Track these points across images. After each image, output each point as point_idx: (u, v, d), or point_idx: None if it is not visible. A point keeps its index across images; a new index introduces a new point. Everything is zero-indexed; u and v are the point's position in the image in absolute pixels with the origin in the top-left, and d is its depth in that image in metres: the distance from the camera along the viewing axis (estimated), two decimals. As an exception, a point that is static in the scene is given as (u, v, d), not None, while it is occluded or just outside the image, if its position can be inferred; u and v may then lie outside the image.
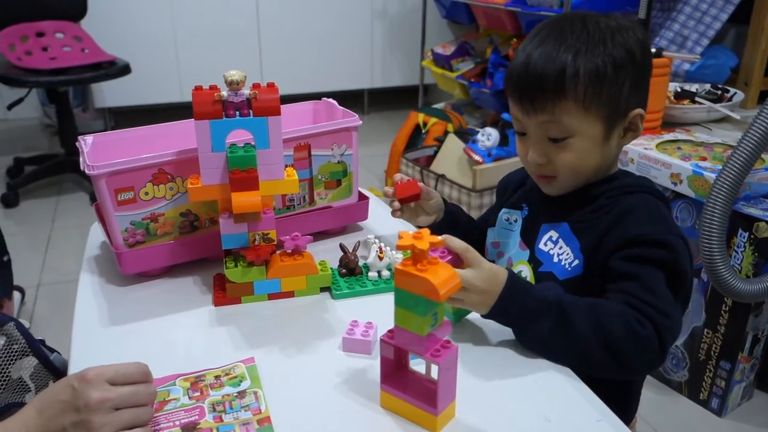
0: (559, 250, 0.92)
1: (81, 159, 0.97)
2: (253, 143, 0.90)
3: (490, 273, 0.78)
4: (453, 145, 2.42)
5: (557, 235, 0.92)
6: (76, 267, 1.07)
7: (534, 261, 0.94)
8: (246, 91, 0.88)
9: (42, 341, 1.01)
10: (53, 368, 0.99)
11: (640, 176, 0.97)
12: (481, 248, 1.03)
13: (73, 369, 0.79)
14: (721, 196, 1.36)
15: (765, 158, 1.55)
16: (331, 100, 1.19)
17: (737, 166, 1.37)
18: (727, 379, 1.60)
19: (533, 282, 0.93)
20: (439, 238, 0.74)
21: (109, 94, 3.51)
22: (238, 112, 0.88)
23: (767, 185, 1.52)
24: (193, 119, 1.05)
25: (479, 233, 1.10)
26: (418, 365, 0.74)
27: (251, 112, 0.88)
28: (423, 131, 2.83)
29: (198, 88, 0.87)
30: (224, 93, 0.87)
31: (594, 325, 0.77)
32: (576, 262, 0.89)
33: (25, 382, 0.98)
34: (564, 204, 0.93)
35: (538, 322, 0.79)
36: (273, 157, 0.91)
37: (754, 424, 1.62)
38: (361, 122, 1.10)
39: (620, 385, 0.92)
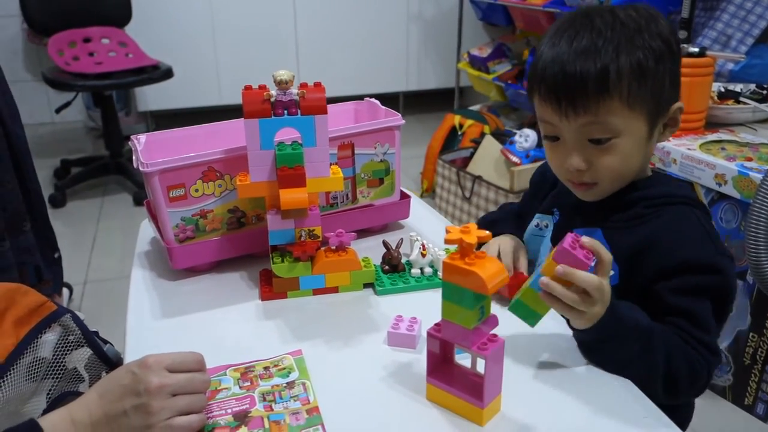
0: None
1: (134, 157, 1.00)
2: (300, 141, 0.92)
3: (608, 286, 0.75)
4: (490, 146, 2.42)
5: None
6: (121, 265, 1.11)
7: None
8: (294, 91, 0.90)
9: (96, 333, 1.04)
10: (107, 359, 1.02)
11: (677, 181, 0.92)
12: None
13: (129, 358, 0.83)
14: (767, 197, 1.34)
15: None
16: (373, 99, 1.20)
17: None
18: (773, 385, 1.57)
19: None
20: (587, 239, 0.73)
21: (151, 97, 3.60)
22: (286, 111, 0.90)
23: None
24: (239, 119, 1.09)
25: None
26: (462, 359, 0.75)
27: (299, 111, 0.91)
28: (459, 133, 2.83)
29: (248, 88, 0.90)
30: (273, 92, 0.89)
31: (666, 357, 0.76)
32: (611, 272, 0.81)
33: (79, 372, 1.02)
34: (598, 208, 0.90)
35: (624, 345, 0.76)
36: (319, 155, 0.93)
37: (802, 430, 1.58)
38: (404, 121, 1.11)
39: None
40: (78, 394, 0.98)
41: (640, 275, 0.83)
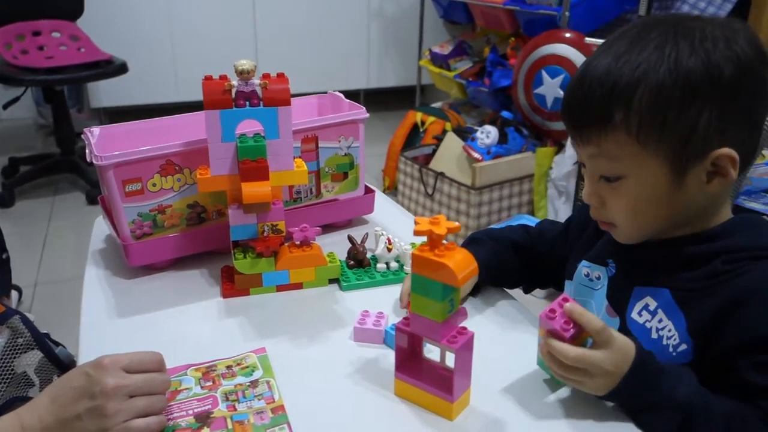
0: (659, 323, 0.72)
1: (87, 150, 0.96)
2: (262, 133, 0.90)
3: (621, 353, 0.65)
4: (452, 143, 2.42)
5: (656, 304, 0.72)
6: (73, 266, 1.07)
7: (625, 333, 0.69)
8: (256, 81, 0.88)
9: (47, 335, 1.00)
10: (58, 362, 0.98)
11: (766, 230, 0.72)
12: (550, 278, 0.93)
13: (83, 360, 0.78)
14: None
15: (765, 154, 1.56)
16: (337, 93, 1.18)
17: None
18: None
19: None
20: (568, 306, 0.65)
21: (105, 93, 3.49)
22: (248, 102, 0.88)
23: (767, 180, 1.53)
24: (198, 112, 1.06)
25: (536, 255, 0.93)
26: (429, 353, 0.74)
27: (261, 102, 0.88)
28: (421, 130, 2.83)
29: (208, 78, 0.87)
30: (234, 83, 0.87)
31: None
32: (683, 346, 0.70)
33: (29, 376, 0.97)
34: (663, 263, 0.73)
35: (658, 417, 0.66)
36: (283, 148, 0.90)
37: None
38: (368, 115, 1.10)
39: None
40: (28, 399, 0.93)
41: (718, 349, 0.68)
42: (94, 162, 0.92)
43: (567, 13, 2.26)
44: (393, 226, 1.14)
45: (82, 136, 1.01)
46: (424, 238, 0.66)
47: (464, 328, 0.69)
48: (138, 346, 0.71)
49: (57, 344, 0.99)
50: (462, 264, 0.64)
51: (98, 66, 2.89)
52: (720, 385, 0.67)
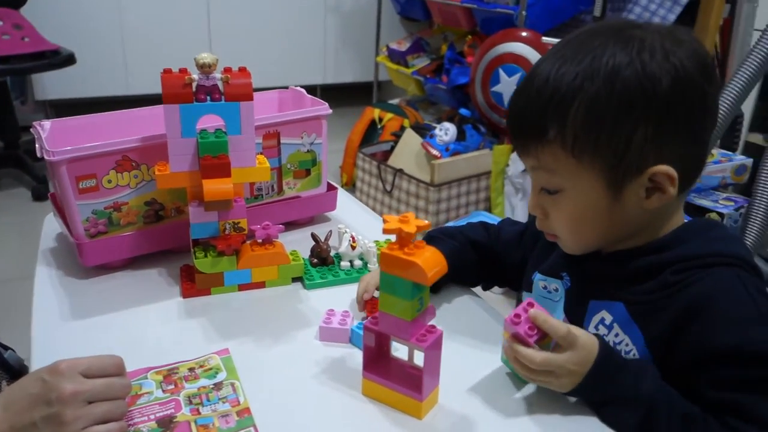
0: (615, 338, 0.71)
1: (38, 145, 0.91)
2: (224, 129, 0.87)
3: (585, 351, 0.65)
4: (410, 140, 2.42)
5: (611, 318, 0.72)
6: (20, 266, 1.02)
7: None
8: (217, 75, 0.85)
9: (-6, 338, 0.95)
10: (8, 367, 0.94)
11: (719, 235, 0.71)
12: (497, 268, 0.92)
13: (36, 365, 0.75)
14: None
15: (715, 153, 1.62)
16: (299, 88, 1.17)
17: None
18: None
19: None
20: (532, 313, 0.65)
21: (50, 85, 3.36)
22: (208, 97, 0.85)
23: (717, 178, 1.58)
24: (155, 106, 1.03)
25: (493, 254, 0.92)
26: (395, 351, 0.73)
27: (222, 96, 0.86)
28: (379, 127, 2.82)
29: (167, 71, 0.84)
30: (195, 76, 0.84)
31: None
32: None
33: (-25, 382, 0.92)
34: (615, 276, 0.72)
35: (620, 411, 0.66)
36: (245, 144, 0.88)
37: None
38: (330, 111, 1.08)
39: None
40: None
41: (676, 361, 0.67)
42: (46, 157, 0.88)
43: (524, 13, 2.29)
44: (355, 223, 1.13)
45: (32, 129, 0.96)
46: (389, 236, 0.65)
47: (433, 327, 0.69)
48: (94, 349, 0.68)
49: (6, 348, 0.94)
50: (432, 262, 0.63)
51: (44, 57, 2.78)
52: (684, 396, 0.66)
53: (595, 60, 0.64)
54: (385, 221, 0.65)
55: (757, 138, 2.28)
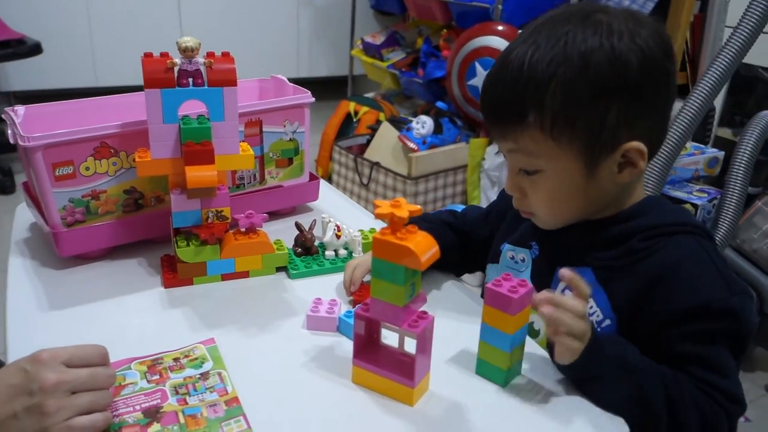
0: None
1: (11, 131, 0.88)
2: (206, 115, 0.85)
3: (589, 325, 0.67)
4: (387, 133, 2.42)
5: None
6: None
7: None
8: (200, 60, 0.83)
9: (-34, 331, 0.92)
10: (-20, 360, 0.90)
11: (675, 207, 0.77)
12: (474, 252, 0.93)
13: (12, 357, 0.73)
14: (652, 180, 1.44)
15: (688, 146, 1.65)
16: (281, 76, 1.15)
17: (666, 152, 1.44)
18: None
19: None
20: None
21: (14, 76, 3.27)
22: (191, 81, 0.83)
23: (690, 170, 1.61)
24: (135, 92, 1.00)
25: (468, 237, 0.95)
26: (385, 339, 0.73)
27: (205, 82, 0.84)
28: (354, 120, 2.81)
29: (148, 55, 0.82)
30: (177, 60, 0.82)
31: (668, 401, 0.66)
32: (607, 321, 0.73)
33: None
34: (583, 244, 0.76)
35: (611, 386, 0.67)
36: (228, 130, 0.86)
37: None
38: (313, 99, 1.07)
39: None
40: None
41: (644, 322, 0.71)
42: (20, 143, 0.85)
43: (500, 6, 2.30)
44: (338, 213, 1.12)
45: (3, 116, 0.93)
46: (372, 225, 0.64)
47: (424, 312, 0.68)
48: (74, 340, 0.66)
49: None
50: (424, 247, 0.63)
51: (8, 46, 2.70)
52: (649, 357, 0.70)
53: (568, 45, 0.67)
54: (376, 206, 0.64)
55: (725, 132, 2.33)
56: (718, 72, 1.46)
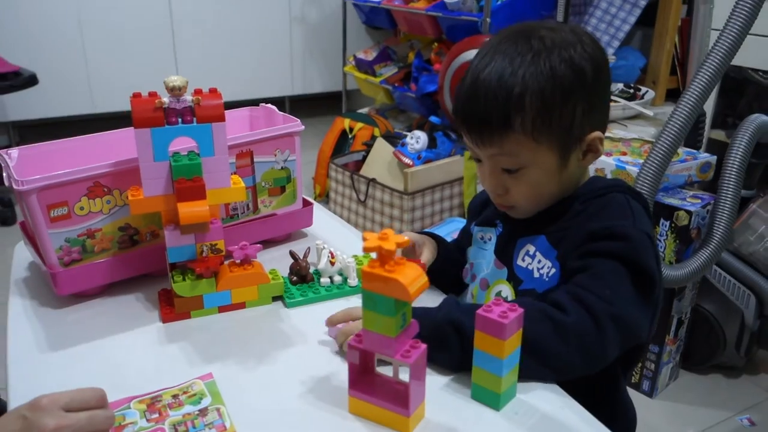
0: (538, 264, 0.85)
1: (5, 174, 0.90)
2: (197, 151, 0.87)
3: None
4: (382, 149, 2.43)
5: (534, 248, 0.86)
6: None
7: (514, 279, 0.88)
8: (188, 97, 0.85)
9: (-32, 373, 0.93)
10: (-17, 402, 0.91)
11: (613, 178, 0.91)
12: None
13: (14, 399, 0.74)
14: (645, 188, 1.44)
15: (680, 152, 1.65)
16: (270, 105, 1.16)
17: (658, 159, 1.45)
18: (656, 362, 1.69)
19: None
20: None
21: (12, 107, 3.29)
22: (180, 119, 0.85)
23: (683, 176, 1.62)
24: (125, 128, 1.02)
25: (457, 261, 1.02)
26: (380, 367, 0.73)
27: (194, 119, 0.85)
28: (350, 136, 2.83)
29: (136, 95, 0.83)
30: (165, 99, 0.84)
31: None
32: (553, 270, 0.83)
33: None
34: (540, 217, 0.87)
35: (438, 349, 0.74)
36: (218, 165, 0.88)
37: (682, 402, 1.72)
38: (303, 127, 1.08)
39: (592, 391, 0.78)
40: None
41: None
42: (14, 187, 0.86)
43: (488, 19, 2.32)
44: (332, 238, 1.13)
45: (-3, 159, 0.94)
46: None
47: (416, 342, 0.69)
48: (74, 380, 0.67)
49: (-20, 383, 0.92)
50: (413, 278, 0.64)
51: (5, 78, 2.73)
52: None
53: (534, 60, 0.78)
54: (364, 239, 0.65)
55: (719, 134, 2.34)
56: (706, 76, 1.47)
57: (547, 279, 0.84)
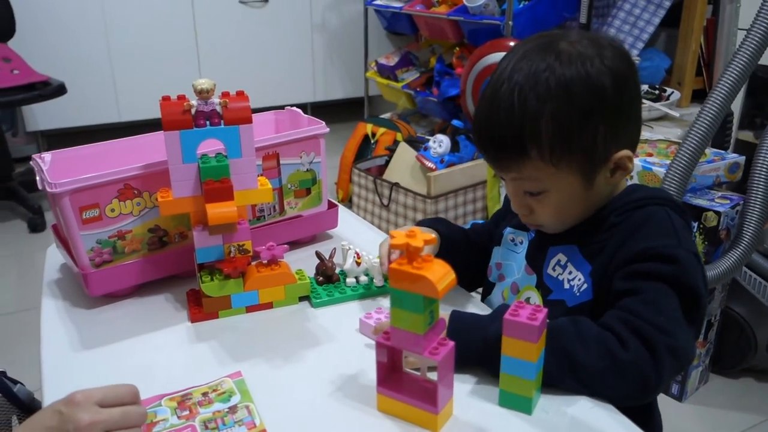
0: (569, 275, 0.82)
1: (39, 177, 0.92)
2: (224, 153, 0.88)
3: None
4: (405, 153, 2.43)
5: (566, 258, 0.83)
6: (19, 298, 1.02)
7: (542, 287, 0.85)
8: (216, 100, 0.86)
9: (3, 373, 0.95)
10: (17, 400, 0.93)
11: (653, 188, 0.85)
12: (485, 267, 0.98)
13: (48, 397, 0.75)
14: (672, 188, 1.43)
15: (707, 152, 1.63)
16: (295, 108, 1.18)
17: (685, 159, 1.44)
18: (684, 365, 1.66)
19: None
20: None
21: (41, 116, 3.36)
22: (208, 122, 0.86)
23: (711, 177, 1.60)
24: (154, 132, 1.03)
25: (481, 251, 0.99)
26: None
27: (222, 121, 0.87)
28: (372, 141, 2.83)
29: (165, 99, 0.85)
30: (193, 102, 0.85)
31: (558, 352, 0.70)
32: (585, 285, 0.80)
33: (-16, 418, 0.92)
34: (573, 227, 0.84)
35: (494, 361, 0.71)
36: (246, 167, 0.89)
37: (713, 406, 1.68)
38: (328, 129, 1.09)
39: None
40: (-15, 442, 0.88)
41: (609, 280, 0.78)
42: (48, 189, 0.88)
43: (510, 23, 2.32)
44: (357, 239, 1.14)
45: (31, 162, 0.97)
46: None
47: (444, 339, 0.69)
48: (106, 378, 0.68)
49: (15, 382, 0.94)
50: (441, 275, 0.64)
51: (34, 88, 2.79)
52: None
53: (549, 80, 0.73)
54: (391, 237, 0.66)
55: (747, 135, 2.30)
56: (733, 76, 1.46)
57: (578, 293, 0.81)
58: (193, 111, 0.85)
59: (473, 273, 0.99)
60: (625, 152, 0.78)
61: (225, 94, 0.87)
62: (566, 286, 0.82)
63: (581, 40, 0.76)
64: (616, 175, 0.80)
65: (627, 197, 0.82)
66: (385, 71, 3.11)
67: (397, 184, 2.37)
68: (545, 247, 0.86)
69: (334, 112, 4.17)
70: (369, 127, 2.86)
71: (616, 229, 0.80)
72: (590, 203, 0.82)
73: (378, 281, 0.97)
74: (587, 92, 0.74)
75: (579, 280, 0.81)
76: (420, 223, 0.99)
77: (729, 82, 1.45)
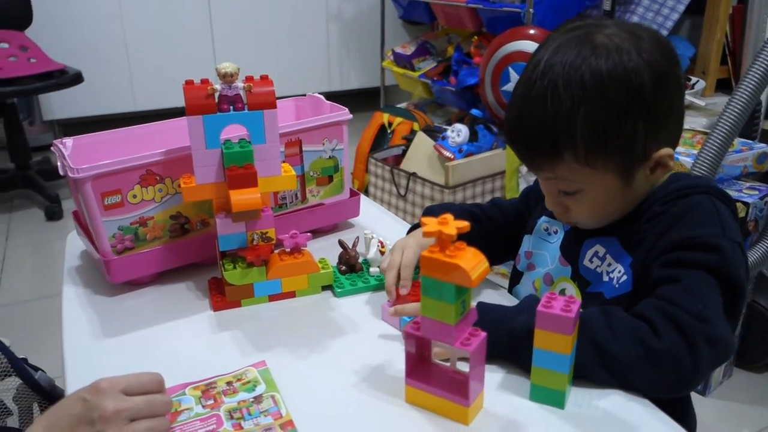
0: (608, 267, 0.80)
1: (60, 163, 0.91)
2: (248, 138, 0.86)
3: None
4: (422, 143, 2.41)
5: (604, 250, 0.81)
6: (38, 285, 1.01)
7: (579, 279, 0.83)
8: (240, 84, 0.84)
9: (24, 360, 0.94)
10: (38, 388, 0.93)
11: (697, 176, 0.82)
12: (513, 252, 0.95)
13: (70, 385, 0.74)
14: (701, 179, 1.39)
15: (735, 142, 1.60)
16: (317, 94, 1.16)
17: (714, 149, 1.40)
18: (708, 359, 1.63)
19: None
20: None
21: (57, 105, 3.37)
22: (231, 107, 0.84)
23: (739, 167, 1.56)
24: (177, 118, 1.02)
25: (501, 227, 0.96)
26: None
27: (245, 106, 0.85)
28: (389, 131, 2.81)
29: (189, 83, 0.83)
30: (217, 86, 0.83)
31: (588, 343, 0.68)
32: (624, 277, 0.78)
33: (6, 405, 0.91)
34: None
35: (520, 354, 0.71)
36: (270, 153, 0.87)
37: (736, 401, 1.66)
38: (351, 116, 1.07)
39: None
40: (7, 429, 0.88)
41: (648, 269, 0.76)
42: (69, 175, 0.87)
43: (531, 10, 2.27)
44: (379, 227, 1.12)
45: (53, 148, 0.95)
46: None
47: (476, 329, 0.67)
48: (128, 366, 0.67)
49: (36, 369, 0.93)
50: (474, 263, 0.62)
51: (51, 77, 2.79)
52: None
53: (583, 78, 0.70)
54: (423, 224, 0.64)
55: (773, 125, 2.26)
56: (764, 65, 1.42)
57: (617, 285, 0.78)
58: (216, 95, 0.83)
59: (491, 251, 0.95)
60: (666, 150, 0.75)
61: (249, 79, 0.85)
62: (605, 278, 0.80)
63: (619, 32, 0.72)
64: (656, 173, 0.77)
65: (670, 186, 0.79)
66: (401, 60, 3.07)
67: (414, 174, 2.34)
68: (581, 238, 0.83)
69: (350, 102, 4.10)
70: (386, 117, 2.83)
71: (658, 219, 0.77)
72: (629, 200, 0.79)
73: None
74: (624, 90, 0.70)
75: (619, 272, 0.79)
76: (428, 210, 0.96)
77: (760, 70, 1.41)
